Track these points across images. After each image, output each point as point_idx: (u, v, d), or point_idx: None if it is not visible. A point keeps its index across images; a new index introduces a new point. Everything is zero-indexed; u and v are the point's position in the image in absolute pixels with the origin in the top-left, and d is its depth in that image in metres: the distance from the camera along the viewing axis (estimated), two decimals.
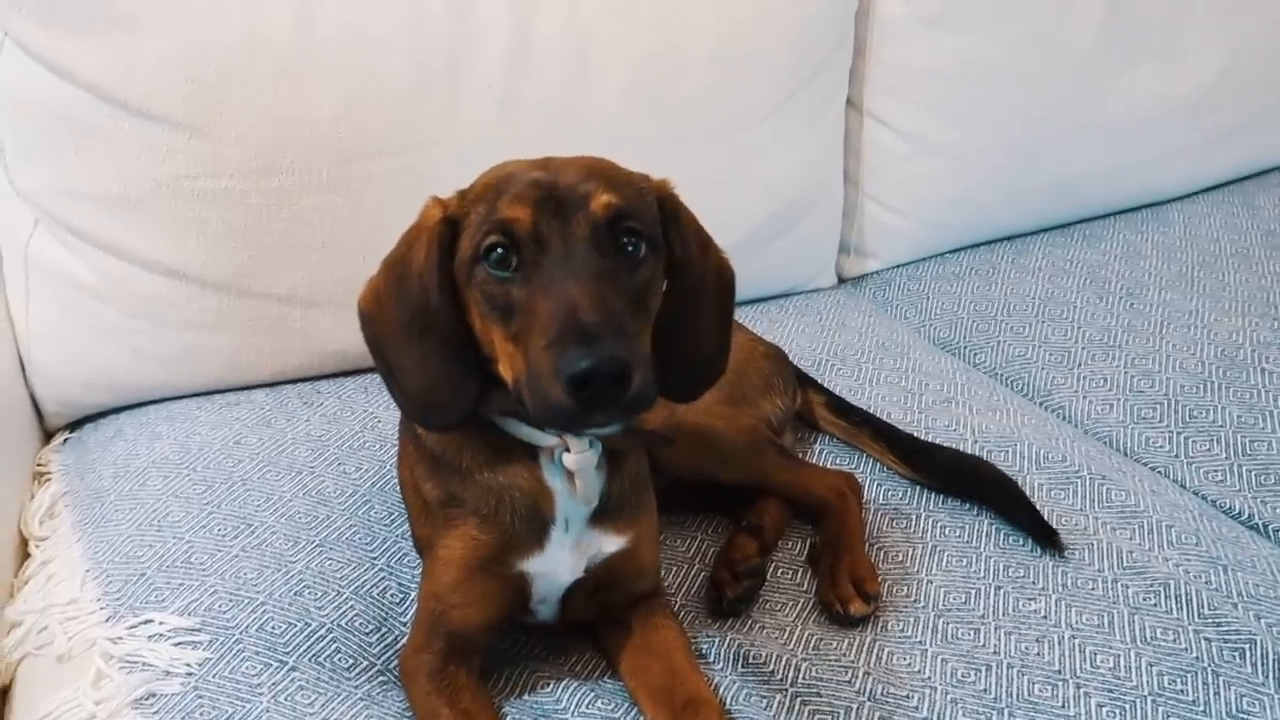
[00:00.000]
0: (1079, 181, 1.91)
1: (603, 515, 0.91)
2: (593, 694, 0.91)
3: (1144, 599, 1.03)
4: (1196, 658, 0.96)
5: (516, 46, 1.38)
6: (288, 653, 0.92)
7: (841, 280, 1.87)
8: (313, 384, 1.40)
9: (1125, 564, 1.08)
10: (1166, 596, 1.03)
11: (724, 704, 0.89)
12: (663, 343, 0.85)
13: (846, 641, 0.98)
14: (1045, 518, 1.12)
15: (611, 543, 0.92)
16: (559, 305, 0.74)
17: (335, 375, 1.42)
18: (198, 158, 1.24)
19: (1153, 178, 1.99)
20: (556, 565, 0.90)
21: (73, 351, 1.31)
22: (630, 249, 0.80)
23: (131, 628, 0.93)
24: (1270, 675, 0.95)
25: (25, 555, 1.14)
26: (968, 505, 1.18)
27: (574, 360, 0.71)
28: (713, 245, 0.93)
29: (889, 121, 1.76)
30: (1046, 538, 1.10)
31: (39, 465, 1.28)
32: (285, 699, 0.87)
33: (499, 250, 0.78)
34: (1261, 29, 1.96)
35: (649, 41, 1.47)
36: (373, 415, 1.31)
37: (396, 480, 1.09)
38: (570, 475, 0.87)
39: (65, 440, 1.32)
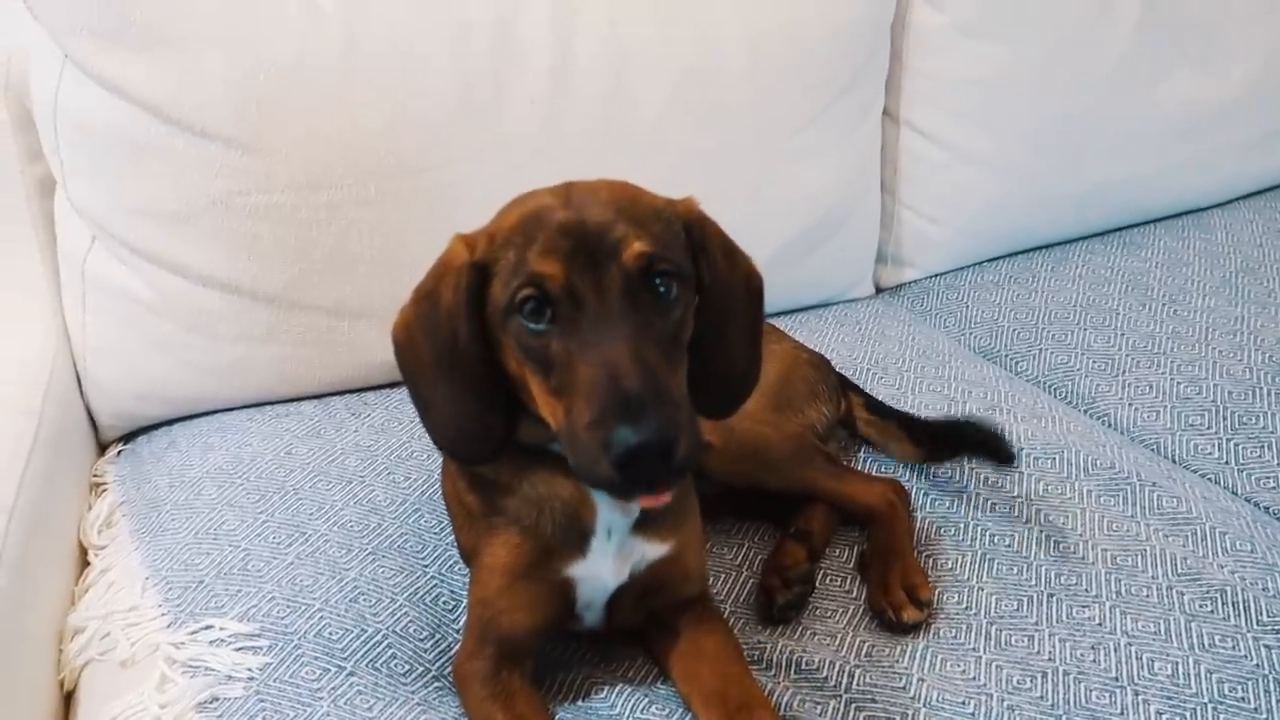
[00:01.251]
0: (1117, 188, 1.90)
1: (645, 522, 0.91)
2: (646, 699, 0.92)
3: (1200, 605, 1.02)
4: (1257, 665, 0.95)
5: (558, 64, 1.40)
6: (345, 658, 0.93)
7: (879, 290, 1.87)
8: (359, 395, 1.42)
9: (1179, 571, 1.07)
10: (1223, 603, 1.02)
11: (778, 709, 0.89)
12: (695, 361, 0.85)
13: (899, 648, 0.98)
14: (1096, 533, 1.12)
15: (655, 549, 0.93)
16: (600, 373, 0.74)
17: (382, 387, 1.43)
18: (250, 174, 1.27)
19: (1191, 184, 1.98)
20: (600, 571, 0.90)
21: (128, 365, 1.33)
22: (663, 290, 0.80)
23: (193, 633, 0.95)
24: None
25: (85, 564, 1.16)
26: (1018, 509, 1.17)
27: (622, 439, 0.71)
28: (739, 254, 0.92)
29: (925, 130, 1.76)
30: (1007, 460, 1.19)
31: (95, 476, 1.31)
32: (345, 703, 0.88)
33: (533, 303, 0.78)
34: None
35: (686, 57, 1.49)
36: (419, 426, 1.33)
37: (448, 516, 1.11)
38: None
39: (120, 452, 1.35)
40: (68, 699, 1.01)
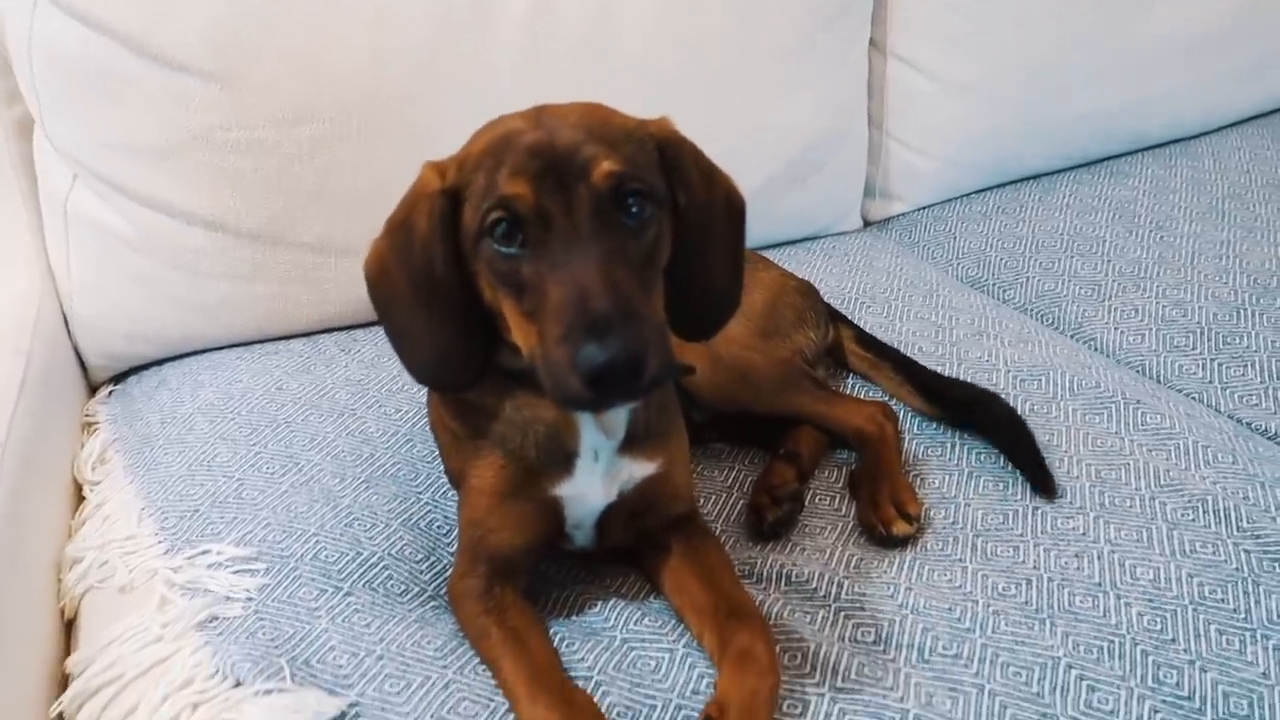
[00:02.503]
0: (1105, 117, 1.90)
1: (631, 443, 0.92)
2: (639, 612, 0.93)
3: (1182, 515, 1.04)
4: (1236, 569, 0.97)
5: None
6: (342, 580, 0.95)
7: (867, 224, 1.87)
8: (349, 332, 1.42)
9: (1162, 482, 1.09)
10: (1204, 511, 1.04)
11: (768, 619, 0.90)
12: (674, 284, 0.85)
13: (888, 560, 1.00)
14: (1048, 466, 1.10)
15: (643, 468, 0.93)
16: (570, 291, 0.74)
17: (371, 324, 1.43)
18: (230, 108, 1.26)
19: (1180, 112, 1.97)
20: (587, 490, 0.91)
21: (113, 304, 1.33)
22: (635, 210, 0.79)
23: (190, 558, 0.96)
24: None
25: (80, 500, 1.16)
26: None
27: (589, 356, 0.71)
28: (718, 175, 0.90)
29: (912, 61, 1.75)
30: (1043, 485, 1.07)
31: (87, 416, 1.31)
32: (343, 621, 0.89)
33: (503, 225, 0.78)
34: None
35: None
36: None
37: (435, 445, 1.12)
38: None
39: (110, 392, 1.35)
40: (68, 627, 1.02)
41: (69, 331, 1.36)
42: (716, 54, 1.53)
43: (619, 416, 0.90)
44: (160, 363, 1.38)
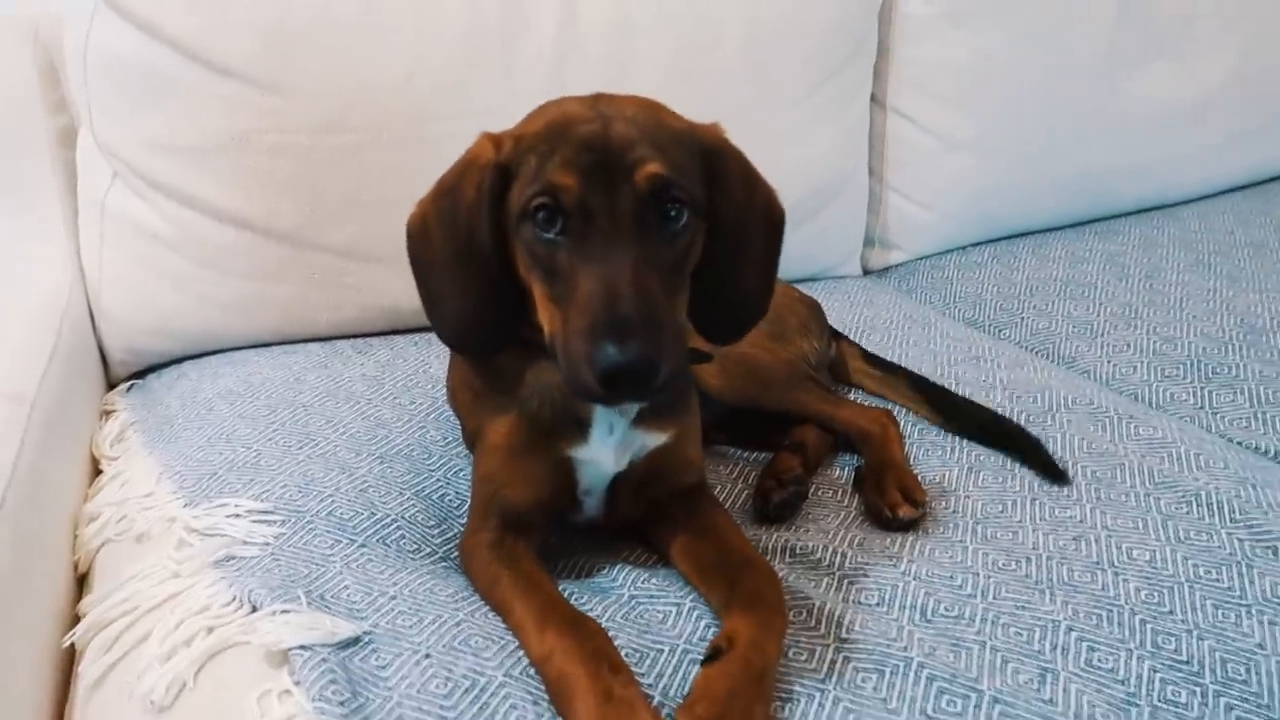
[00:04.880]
0: (1097, 178, 1.98)
1: (645, 415, 0.94)
2: (648, 574, 0.95)
3: (1176, 508, 1.07)
4: (1230, 553, 0.99)
5: (564, 22, 1.48)
6: (356, 534, 0.96)
7: (867, 272, 1.94)
8: (364, 339, 1.46)
9: (1156, 480, 1.12)
10: (1198, 505, 1.07)
11: None
12: (703, 288, 0.88)
13: (891, 539, 1.02)
14: (1075, 455, 1.15)
15: (655, 438, 0.95)
16: (599, 288, 0.77)
17: (386, 333, 1.48)
18: (269, 113, 1.33)
19: (1168, 178, 2.07)
20: (600, 456, 0.93)
21: (141, 299, 1.38)
22: (673, 214, 0.82)
23: (208, 509, 0.97)
24: None
25: (98, 474, 1.18)
26: None
27: (607, 356, 0.74)
28: (760, 185, 0.93)
29: (912, 116, 1.84)
30: (1055, 476, 1.12)
31: (106, 405, 1.34)
32: (356, 567, 0.91)
33: (546, 211, 0.80)
34: (1265, 36, 2.06)
35: (685, 27, 1.57)
36: (424, 362, 1.37)
37: (449, 409, 1.15)
38: None
39: (130, 386, 1.38)
40: (81, 582, 1.03)
41: (94, 327, 1.40)
42: (726, 97, 1.62)
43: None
44: (180, 361, 1.41)
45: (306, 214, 1.38)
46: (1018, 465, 1.16)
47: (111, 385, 1.42)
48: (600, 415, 0.92)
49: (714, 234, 0.88)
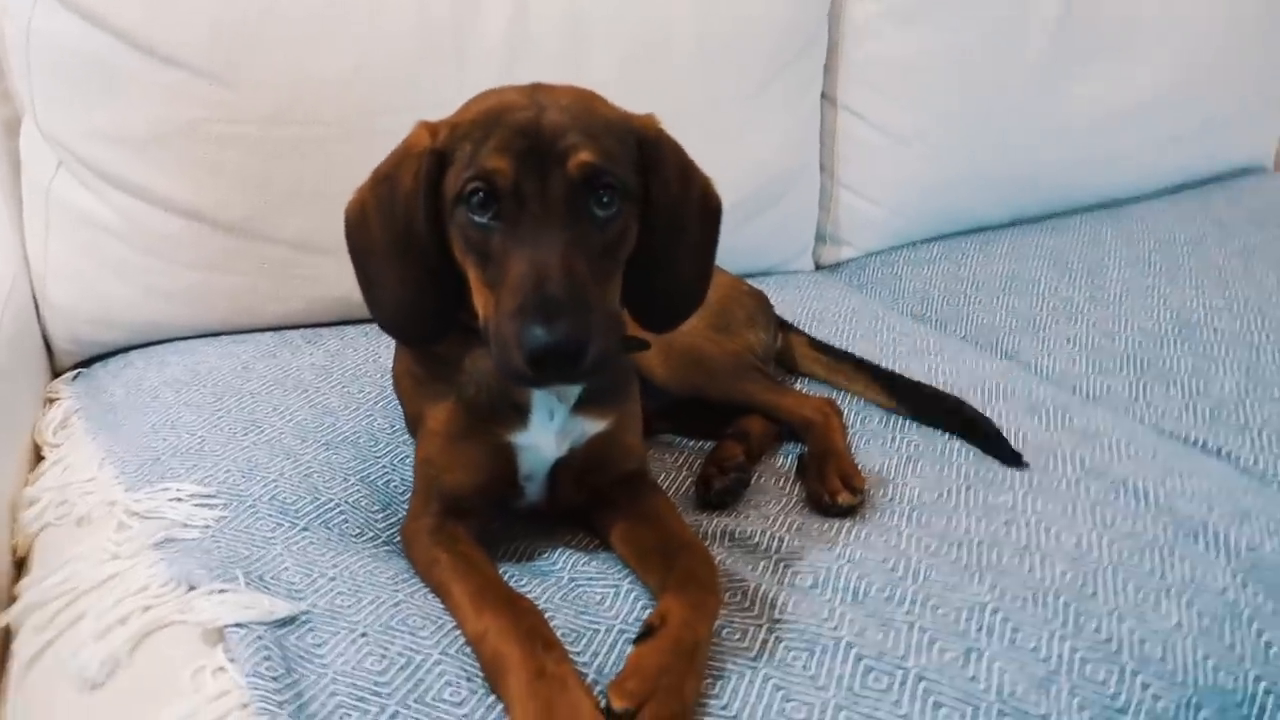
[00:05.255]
0: (1042, 175, 2.03)
1: (584, 402, 0.95)
2: (587, 558, 0.96)
3: (1104, 495, 1.10)
4: (1153, 538, 1.03)
5: (516, 17, 1.48)
6: (299, 517, 0.97)
7: (819, 267, 1.97)
8: (314, 329, 1.46)
9: (1087, 468, 1.15)
10: (1125, 492, 1.10)
11: None
12: (640, 275, 0.89)
13: (829, 525, 1.04)
14: (1013, 444, 1.19)
15: (594, 425, 0.97)
16: (528, 270, 0.78)
17: (336, 324, 1.48)
18: (218, 104, 1.32)
19: (1111, 176, 2.12)
20: (540, 442, 0.94)
21: (87, 288, 1.36)
22: (605, 200, 0.83)
23: (150, 493, 0.98)
24: (1221, 552, 1.01)
25: (39, 462, 1.18)
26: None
27: (534, 337, 0.75)
28: (696, 174, 0.95)
29: (862, 113, 1.87)
30: (1010, 457, 1.17)
31: (49, 393, 1.33)
32: (297, 550, 0.91)
33: (480, 196, 0.82)
34: (1205, 41, 2.11)
35: (638, 23, 1.58)
36: (374, 352, 1.37)
37: (397, 399, 1.15)
38: None
39: (76, 375, 1.37)
40: (19, 567, 1.02)
41: (39, 317, 1.39)
42: (679, 92, 1.63)
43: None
44: (126, 350, 1.40)
45: (255, 205, 1.37)
46: (955, 454, 1.19)
47: (56, 374, 1.41)
48: (540, 401, 0.94)
49: (649, 222, 0.90)
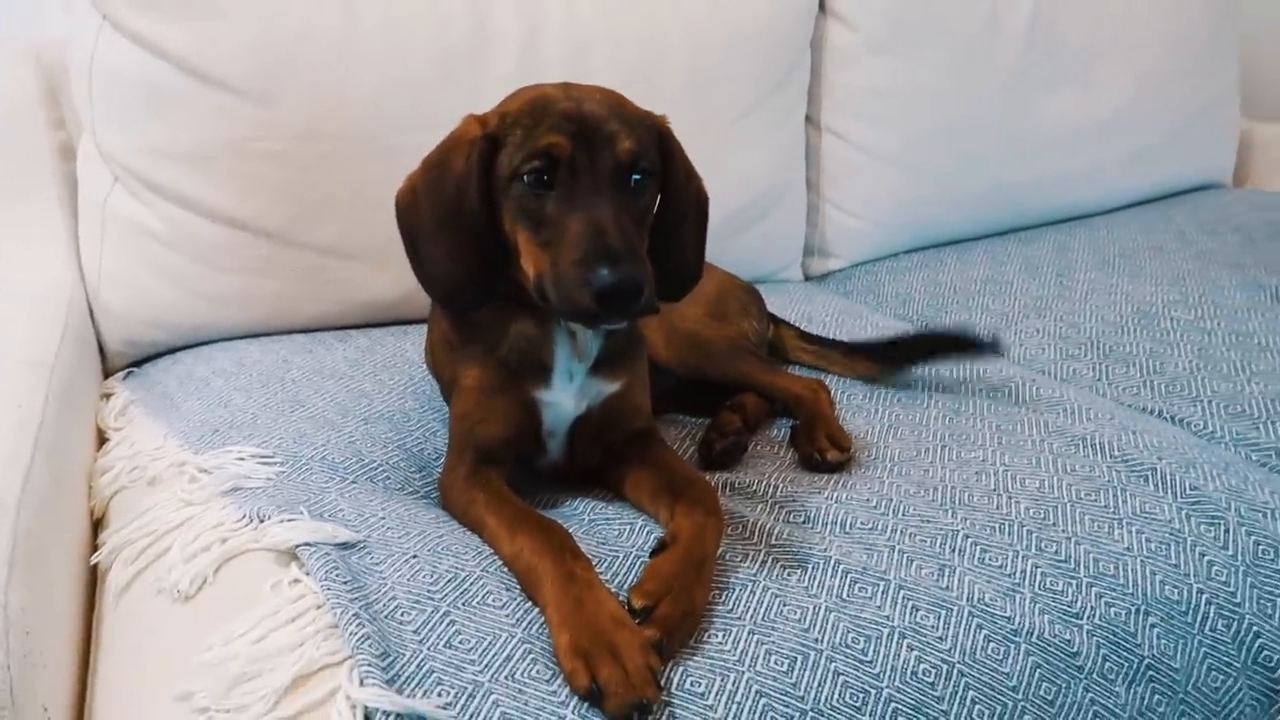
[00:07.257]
0: (1013, 191, 2.18)
1: (600, 366, 1.08)
2: (604, 504, 1.08)
3: (1066, 448, 1.23)
4: (1109, 481, 1.15)
5: (526, 46, 1.64)
6: (347, 473, 1.09)
7: (808, 278, 2.11)
8: (344, 331, 1.58)
9: (1051, 430, 1.28)
10: (1086, 445, 1.23)
11: None
12: (653, 251, 1.03)
13: (819, 478, 1.16)
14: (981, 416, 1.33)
15: (608, 386, 1.10)
16: (589, 228, 0.91)
17: (363, 326, 1.61)
18: (260, 124, 1.46)
19: (1078, 191, 2.27)
20: (562, 400, 1.07)
21: (138, 293, 1.49)
22: (640, 179, 0.97)
23: (215, 455, 1.09)
24: (1168, 490, 1.14)
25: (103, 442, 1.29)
26: (921, 399, 1.38)
27: (600, 277, 0.88)
28: (694, 174, 1.11)
29: (843, 135, 2.02)
30: (993, 347, 1.42)
31: (105, 390, 1.45)
32: (350, 496, 1.03)
33: (537, 170, 0.94)
34: (1160, 63, 2.28)
35: (635, 53, 1.73)
36: (401, 349, 1.50)
37: (426, 385, 1.27)
38: (572, 334, 1.06)
39: (128, 374, 1.49)
40: (95, 528, 1.13)
41: (94, 321, 1.51)
42: (672, 115, 1.77)
43: (592, 343, 1.07)
44: (173, 350, 1.53)
45: (291, 214, 1.51)
46: (932, 420, 1.31)
47: (108, 375, 1.53)
48: (561, 363, 1.06)
49: (661, 209, 1.04)
